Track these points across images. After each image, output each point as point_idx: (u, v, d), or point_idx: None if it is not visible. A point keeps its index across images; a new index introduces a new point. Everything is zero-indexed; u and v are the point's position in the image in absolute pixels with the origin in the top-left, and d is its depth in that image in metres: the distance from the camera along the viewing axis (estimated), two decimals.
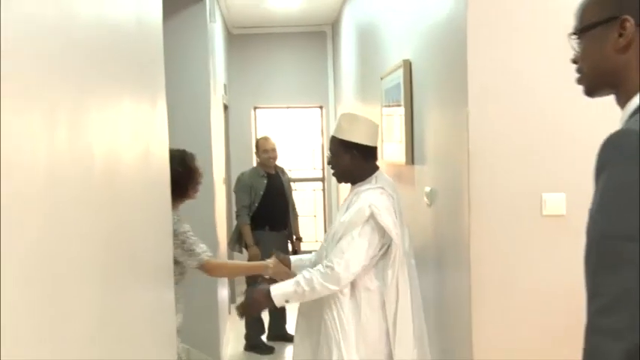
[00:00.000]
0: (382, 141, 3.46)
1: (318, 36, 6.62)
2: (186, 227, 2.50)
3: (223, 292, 4.64)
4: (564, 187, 2.04)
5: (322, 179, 6.78)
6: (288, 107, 6.74)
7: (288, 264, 2.48)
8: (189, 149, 3.80)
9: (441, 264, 2.48)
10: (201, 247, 2.51)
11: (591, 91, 1.17)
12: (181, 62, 3.91)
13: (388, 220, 2.13)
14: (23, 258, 1.01)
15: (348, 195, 2.35)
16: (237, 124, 6.32)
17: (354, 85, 4.99)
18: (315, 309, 2.27)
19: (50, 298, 1.11)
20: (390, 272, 2.16)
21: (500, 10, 2.02)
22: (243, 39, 6.48)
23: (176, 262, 2.38)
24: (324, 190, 6.80)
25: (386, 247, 2.18)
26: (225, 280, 4.78)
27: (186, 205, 3.32)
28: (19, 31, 1.01)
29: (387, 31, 3.42)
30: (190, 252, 2.47)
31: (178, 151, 2.61)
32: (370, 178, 2.28)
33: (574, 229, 1.80)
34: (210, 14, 4.23)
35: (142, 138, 2.00)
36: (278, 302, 2.24)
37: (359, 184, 2.29)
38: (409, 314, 2.18)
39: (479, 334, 2.08)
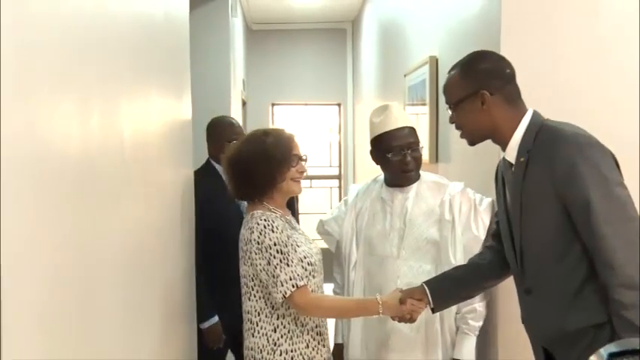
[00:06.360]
0: None
1: (338, 33, 6.58)
2: (275, 237, 1.73)
3: None
4: None
5: (339, 177, 6.74)
6: (306, 104, 6.72)
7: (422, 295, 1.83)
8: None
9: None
10: (291, 272, 1.72)
11: (474, 143, 1.66)
12: (202, 56, 3.89)
13: None
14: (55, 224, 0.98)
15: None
16: (255, 120, 6.30)
17: (375, 83, 4.94)
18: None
19: (83, 266, 1.09)
20: None
21: (537, 6, 1.97)
22: (262, 35, 6.46)
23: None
24: (340, 187, 6.76)
25: None
26: None
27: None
28: (60, 25, 0.99)
29: (412, 27, 3.37)
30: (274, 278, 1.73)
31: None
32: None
33: None
34: (231, 9, 4.20)
35: (167, 128, 1.98)
36: None
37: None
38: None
39: (504, 337, 2.04)
